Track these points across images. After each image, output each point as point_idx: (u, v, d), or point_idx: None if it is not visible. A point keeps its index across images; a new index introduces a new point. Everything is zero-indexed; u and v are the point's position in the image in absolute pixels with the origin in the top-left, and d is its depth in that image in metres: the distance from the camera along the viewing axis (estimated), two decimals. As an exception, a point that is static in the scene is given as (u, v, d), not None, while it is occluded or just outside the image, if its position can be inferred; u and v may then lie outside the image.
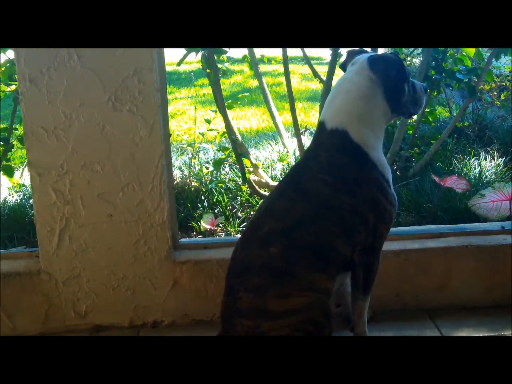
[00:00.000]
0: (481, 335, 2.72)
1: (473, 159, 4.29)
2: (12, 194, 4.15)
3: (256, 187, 3.79)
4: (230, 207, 3.84)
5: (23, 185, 4.21)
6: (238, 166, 3.88)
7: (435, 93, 4.24)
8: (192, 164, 4.32)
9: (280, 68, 8.20)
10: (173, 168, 3.27)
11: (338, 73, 2.82)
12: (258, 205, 3.67)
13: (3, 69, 3.42)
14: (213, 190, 3.95)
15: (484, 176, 4.07)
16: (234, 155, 3.75)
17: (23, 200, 3.98)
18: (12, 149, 3.72)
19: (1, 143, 3.58)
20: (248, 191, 3.89)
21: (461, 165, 4.20)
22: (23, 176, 4.32)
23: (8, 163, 3.68)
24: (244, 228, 2.89)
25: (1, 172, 3.65)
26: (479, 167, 4.18)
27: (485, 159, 4.33)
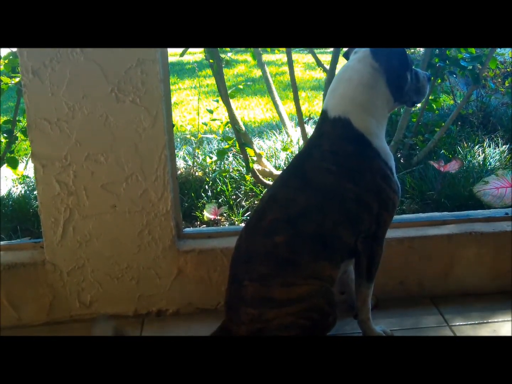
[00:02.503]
0: (484, 321, 2.73)
1: (477, 146, 4.29)
2: (17, 185, 4.18)
3: (260, 176, 3.80)
4: (234, 197, 3.85)
5: (27, 176, 4.22)
6: (241, 156, 3.88)
7: (439, 80, 4.23)
8: (196, 154, 4.32)
9: (284, 58, 8.17)
10: (177, 158, 3.28)
11: (342, 62, 2.82)
12: (262, 194, 3.67)
13: (6, 61, 3.42)
14: (217, 179, 3.96)
15: (488, 163, 4.06)
16: (237, 145, 3.75)
17: (28, 192, 4.00)
18: (16, 141, 3.72)
19: (5, 135, 3.59)
20: (252, 181, 3.90)
21: (465, 153, 4.20)
22: (27, 167, 4.33)
23: (12, 155, 3.69)
24: (248, 217, 2.90)
25: (6, 164, 3.67)
26: (483, 154, 4.17)
27: (489, 146, 4.32)
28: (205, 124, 4.71)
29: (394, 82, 2.42)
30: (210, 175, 4.03)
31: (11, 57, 3.40)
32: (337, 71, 2.89)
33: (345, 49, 2.63)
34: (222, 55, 3.57)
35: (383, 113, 2.45)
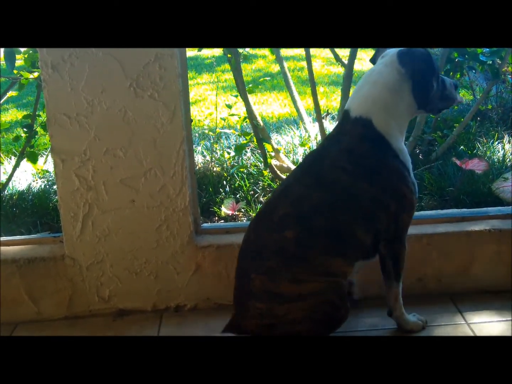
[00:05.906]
0: (503, 319, 2.71)
1: (496, 142, 4.25)
2: (36, 180, 4.20)
3: (278, 172, 3.79)
4: (251, 192, 3.84)
5: (47, 171, 4.25)
6: (259, 151, 3.88)
7: (458, 75, 4.21)
8: (214, 149, 4.33)
9: (302, 52, 8.15)
10: (195, 154, 3.29)
11: (360, 57, 2.81)
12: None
13: (26, 56, 3.44)
14: (235, 175, 3.96)
15: (508, 160, 4.03)
16: (255, 140, 3.75)
17: (47, 186, 4.02)
18: (36, 136, 3.75)
19: (25, 130, 3.62)
20: (269, 176, 3.89)
21: (485, 148, 4.16)
22: (47, 162, 4.36)
23: (32, 150, 3.71)
24: (258, 211, 2.90)
25: (26, 159, 3.69)
26: (503, 150, 4.14)
27: (509, 142, 4.28)
28: (223, 119, 4.71)
29: (418, 89, 2.41)
30: (228, 171, 4.03)
31: (30, 51, 3.42)
32: (355, 66, 2.88)
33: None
34: (240, 50, 3.57)
35: (404, 118, 2.46)
